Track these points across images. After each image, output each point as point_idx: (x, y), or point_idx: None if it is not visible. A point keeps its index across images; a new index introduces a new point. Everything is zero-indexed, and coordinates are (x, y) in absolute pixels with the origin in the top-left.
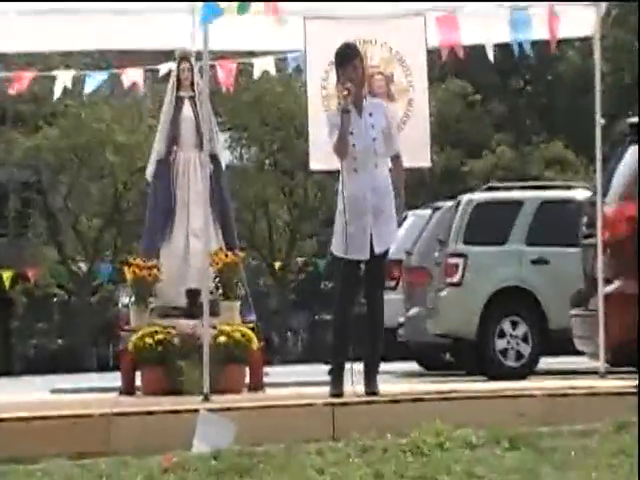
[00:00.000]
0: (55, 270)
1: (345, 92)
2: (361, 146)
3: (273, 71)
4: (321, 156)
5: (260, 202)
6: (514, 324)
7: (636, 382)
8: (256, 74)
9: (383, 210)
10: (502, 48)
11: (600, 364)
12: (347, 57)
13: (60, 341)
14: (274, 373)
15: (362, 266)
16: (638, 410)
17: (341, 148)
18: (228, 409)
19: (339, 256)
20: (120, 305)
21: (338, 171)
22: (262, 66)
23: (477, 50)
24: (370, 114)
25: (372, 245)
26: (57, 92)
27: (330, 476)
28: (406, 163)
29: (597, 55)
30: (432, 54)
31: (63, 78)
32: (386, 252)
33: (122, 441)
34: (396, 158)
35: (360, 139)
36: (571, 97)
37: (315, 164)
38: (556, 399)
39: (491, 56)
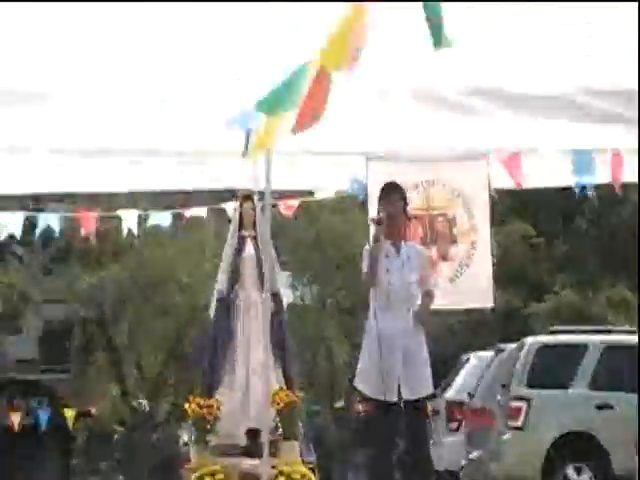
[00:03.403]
0: (116, 406)
1: (376, 219)
2: (397, 286)
3: (333, 210)
4: None
5: (320, 341)
6: (578, 470)
7: None
8: (316, 212)
9: (415, 354)
10: (564, 190)
11: None
12: (388, 193)
13: (122, 478)
14: None
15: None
16: None
17: (369, 277)
18: None
19: (367, 396)
20: (181, 442)
21: None
22: (323, 204)
23: (540, 193)
24: (408, 257)
25: (400, 390)
26: (124, 231)
27: None
28: (470, 304)
29: None
30: (493, 197)
31: (128, 218)
32: (421, 400)
33: None
34: (427, 294)
35: (397, 278)
36: (635, 240)
37: None
38: None
39: None
